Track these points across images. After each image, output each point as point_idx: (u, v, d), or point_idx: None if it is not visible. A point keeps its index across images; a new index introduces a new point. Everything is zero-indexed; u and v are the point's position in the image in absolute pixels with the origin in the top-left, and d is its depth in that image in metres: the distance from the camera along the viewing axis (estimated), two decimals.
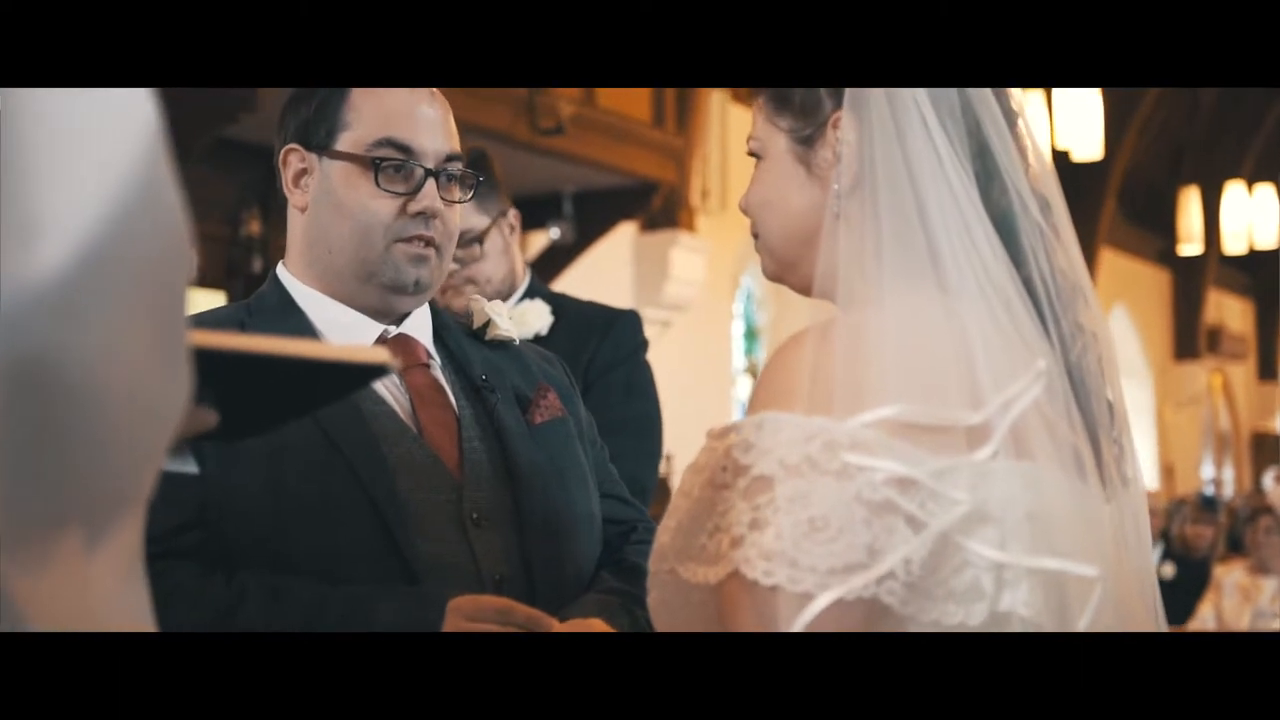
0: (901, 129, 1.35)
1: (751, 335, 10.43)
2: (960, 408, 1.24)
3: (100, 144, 0.70)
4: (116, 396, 0.70)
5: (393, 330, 1.77)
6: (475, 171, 1.84)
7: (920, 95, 1.36)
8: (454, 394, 1.77)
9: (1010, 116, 1.42)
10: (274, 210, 5.93)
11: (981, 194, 1.36)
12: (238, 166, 5.66)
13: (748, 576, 1.18)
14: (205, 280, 6.16)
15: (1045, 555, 1.23)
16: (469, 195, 1.81)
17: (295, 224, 1.78)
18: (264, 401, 1.01)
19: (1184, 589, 7.08)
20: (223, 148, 5.80)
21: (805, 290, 1.43)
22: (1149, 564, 1.45)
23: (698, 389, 8.20)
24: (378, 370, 1.03)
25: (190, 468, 0.94)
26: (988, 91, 1.40)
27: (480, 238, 2.82)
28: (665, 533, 1.30)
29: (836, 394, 1.21)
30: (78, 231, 0.67)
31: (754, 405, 1.27)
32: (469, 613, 1.54)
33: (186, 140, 5.52)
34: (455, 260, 2.79)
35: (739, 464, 1.21)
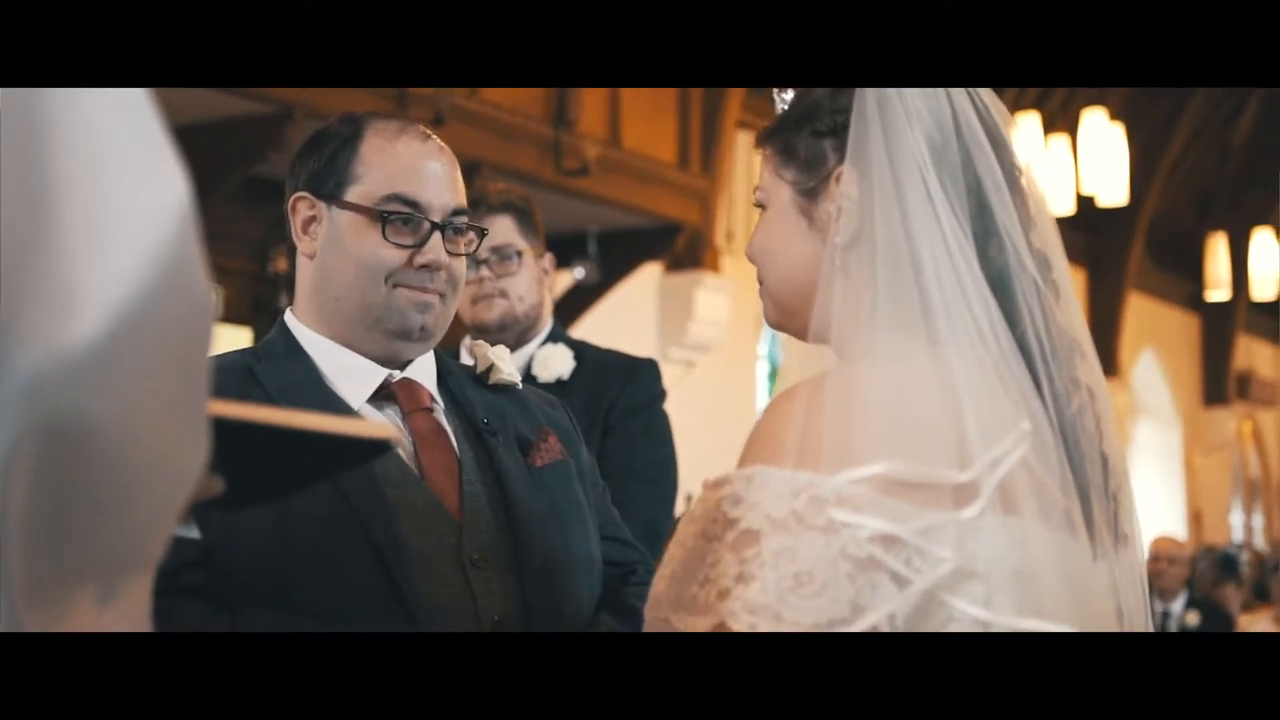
0: (901, 187, 1.37)
1: (776, 376, 10.42)
2: (948, 466, 1.26)
3: (133, 221, 0.74)
4: (142, 461, 0.74)
5: (397, 375, 1.80)
6: (482, 226, 1.90)
7: (923, 153, 1.38)
8: (456, 437, 1.80)
9: (1012, 175, 1.43)
10: None
11: (979, 252, 1.37)
12: (266, 204, 5.71)
13: (733, 630, 1.20)
14: (232, 316, 6.23)
15: (1030, 614, 1.24)
16: (474, 247, 1.86)
17: (304, 271, 1.82)
18: (270, 471, 1.04)
19: None
20: (251, 185, 5.87)
21: (806, 337, 1.45)
22: (1146, 618, 1.45)
23: (722, 429, 8.18)
24: (383, 446, 1.07)
25: (193, 533, 0.98)
26: (989, 150, 1.41)
27: (519, 252, 2.90)
28: (660, 580, 1.33)
29: (825, 449, 1.23)
30: (111, 305, 0.71)
31: (745, 458, 1.29)
32: None
33: (216, 177, 5.60)
34: (489, 271, 2.85)
35: (728, 517, 1.23)
